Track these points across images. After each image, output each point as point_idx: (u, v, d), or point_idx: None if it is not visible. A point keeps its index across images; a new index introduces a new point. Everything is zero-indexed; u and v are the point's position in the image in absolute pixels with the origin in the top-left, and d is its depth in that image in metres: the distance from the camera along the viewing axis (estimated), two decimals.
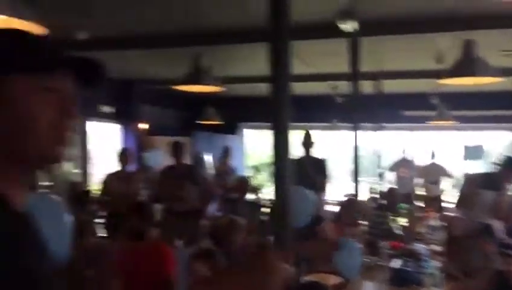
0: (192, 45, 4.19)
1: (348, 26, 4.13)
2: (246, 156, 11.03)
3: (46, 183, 7.23)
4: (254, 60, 6.44)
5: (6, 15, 1.90)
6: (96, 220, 6.12)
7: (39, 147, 0.83)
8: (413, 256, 3.95)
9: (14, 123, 0.81)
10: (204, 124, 8.60)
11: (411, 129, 9.81)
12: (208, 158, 9.32)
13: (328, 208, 5.54)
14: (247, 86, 8.10)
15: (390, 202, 5.07)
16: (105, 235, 5.20)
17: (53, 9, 3.34)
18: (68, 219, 1.97)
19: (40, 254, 0.84)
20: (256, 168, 10.85)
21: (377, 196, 7.40)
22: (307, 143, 5.20)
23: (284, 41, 2.36)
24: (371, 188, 8.18)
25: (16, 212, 0.82)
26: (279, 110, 2.47)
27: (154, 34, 5.11)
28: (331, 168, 5.24)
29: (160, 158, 8.01)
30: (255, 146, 11.19)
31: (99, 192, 5.44)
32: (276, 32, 2.35)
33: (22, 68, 0.82)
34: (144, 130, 9.03)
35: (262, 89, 8.27)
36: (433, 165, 8.24)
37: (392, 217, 4.93)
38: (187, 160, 6.05)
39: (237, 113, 10.29)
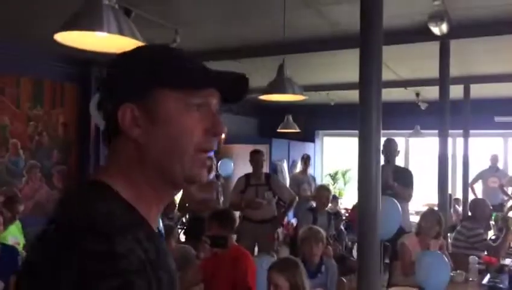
0: (276, 54, 4.26)
1: (439, 28, 3.98)
2: (323, 163, 10.92)
3: None
4: (335, 67, 6.42)
5: (113, 32, 2.03)
6: (178, 226, 6.37)
7: (188, 168, 0.82)
8: (505, 271, 3.68)
9: (167, 143, 0.81)
10: (282, 131, 8.64)
11: (503, 136, 9.17)
12: (285, 166, 9.34)
13: (411, 219, 5.31)
14: (322, 94, 8.04)
15: (478, 213, 4.75)
16: (186, 240, 5.38)
17: (140, 25, 3.54)
18: (159, 224, 2.07)
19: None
20: (334, 177, 10.69)
21: (461, 207, 7.02)
22: (388, 151, 5.03)
23: (376, 46, 2.33)
24: (456, 199, 7.75)
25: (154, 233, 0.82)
26: (368, 116, 2.43)
27: (238, 46, 5.25)
28: (414, 177, 5.00)
29: (230, 167, 8.14)
30: (332, 154, 11.04)
31: (181, 199, 5.62)
32: (368, 37, 2.32)
33: (174, 83, 0.82)
34: (222, 138, 9.24)
35: (340, 96, 8.20)
36: None
37: (481, 230, 4.63)
38: (266, 168, 6.10)
39: (315, 120, 10.24)
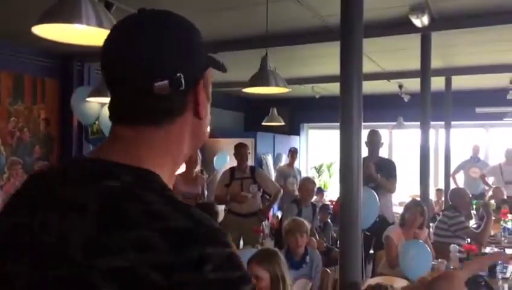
0: (259, 47, 4.26)
1: (420, 20, 4.02)
2: (308, 156, 10.97)
3: None
4: (319, 60, 6.43)
5: (92, 25, 2.00)
6: None
7: (197, 149, 0.83)
8: None
9: (195, 128, 0.79)
10: (267, 125, 8.65)
11: (484, 127, 9.31)
12: (271, 159, 9.36)
13: (394, 210, 5.37)
14: (307, 87, 8.07)
15: (460, 203, 4.83)
16: None
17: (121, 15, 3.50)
18: None
19: None
20: (319, 169, 10.74)
21: (443, 197, 7.12)
22: (372, 142, 5.05)
23: (356, 38, 2.34)
24: (438, 189, 7.86)
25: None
26: (350, 109, 2.45)
27: (221, 39, 5.24)
28: (398, 168, 5.05)
29: (226, 161, 8.16)
30: (317, 147, 11.09)
31: None
32: (349, 29, 2.33)
33: (216, 65, 0.80)
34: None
35: (325, 88, 8.24)
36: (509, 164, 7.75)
37: (462, 218, 4.71)
38: (250, 161, 6.11)
39: (300, 113, 10.28)
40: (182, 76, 0.72)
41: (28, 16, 2.78)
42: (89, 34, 2.15)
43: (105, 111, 5.29)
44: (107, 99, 5.32)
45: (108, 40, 0.77)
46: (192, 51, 0.76)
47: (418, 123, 5.04)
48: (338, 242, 6.10)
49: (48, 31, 2.06)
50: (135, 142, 0.74)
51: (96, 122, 6.05)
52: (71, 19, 1.99)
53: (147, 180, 0.70)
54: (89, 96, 5.06)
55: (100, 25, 2.01)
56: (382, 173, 4.86)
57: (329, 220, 6.18)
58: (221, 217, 5.31)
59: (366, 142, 4.88)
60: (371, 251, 4.78)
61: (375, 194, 4.13)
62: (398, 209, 5.45)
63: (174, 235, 0.62)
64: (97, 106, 5.82)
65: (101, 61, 0.77)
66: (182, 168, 5.63)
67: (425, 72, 4.95)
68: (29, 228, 0.68)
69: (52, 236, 0.66)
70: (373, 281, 3.18)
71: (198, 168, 5.79)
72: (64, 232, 0.65)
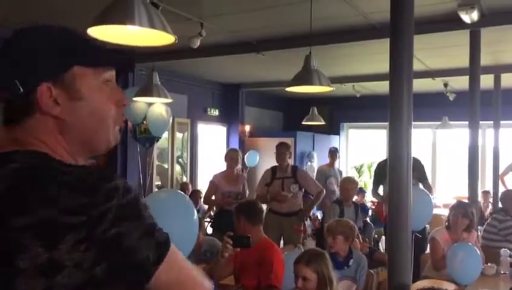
0: (302, 46, 4.24)
1: (469, 16, 3.89)
2: (348, 156, 10.84)
3: (157, 183, 7.75)
4: (361, 58, 6.35)
5: (144, 26, 2.05)
6: (206, 219, 6.43)
7: (108, 139, 0.91)
8: None
9: (90, 118, 0.88)
10: (306, 124, 8.61)
11: None
12: (311, 158, 9.31)
13: (440, 212, 5.23)
14: (347, 86, 7.96)
15: (509, 205, 4.65)
16: (213, 233, 5.42)
17: (166, 19, 3.58)
18: (196, 216, 2.10)
19: None
20: (359, 169, 10.60)
21: (491, 199, 6.88)
22: None
23: (406, 36, 2.29)
24: (484, 191, 7.59)
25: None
26: (399, 108, 2.40)
27: (264, 38, 5.25)
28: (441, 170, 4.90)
29: (256, 158, 8.20)
30: (357, 146, 10.95)
31: (208, 192, 5.66)
32: (399, 27, 2.28)
33: (91, 62, 0.88)
34: (247, 131, 9.28)
35: (365, 87, 8.09)
36: None
37: None
38: (291, 161, 6.08)
39: (340, 112, 10.17)
40: (18, 82, 0.83)
41: (72, 16, 2.87)
42: (141, 35, 2.19)
43: (152, 110, 5.36)
44: (153, 99, 5.44)
45: None
46: (32, 58, 0.85)
47: (464, 122, 4.89)
48: (379, 243, 6.02)
49: (103, 33, 2.11)
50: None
51: (144, 122, 6.18)
52: (125, 20, 2.03)
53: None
54: (136, 96, 5.18)
55: (152, 25, 2.05)
56: (414, 174, 4.73)
57: (368, 220, 6.07)
58: None
59: None
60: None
61: (429, 195, 4.01)
62: (443, 212, 5.31)
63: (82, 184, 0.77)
64: (144, 106, 5.96)
65: None
66: (223, 167, 5.68)
67: (474, 70, 4.79)
68: None
69: None
70: (421, 284, 3.10)
71: (239, 166, 5.83)
72: None
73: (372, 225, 6.01)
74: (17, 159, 0.80)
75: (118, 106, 0.92)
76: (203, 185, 7.45)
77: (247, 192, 5.79)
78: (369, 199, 8.23)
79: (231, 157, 5.62)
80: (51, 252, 0.72)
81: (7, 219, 0.73)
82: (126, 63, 1.06)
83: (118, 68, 0.95)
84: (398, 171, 2.57)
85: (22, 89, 0.83)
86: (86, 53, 0.88)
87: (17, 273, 0.71)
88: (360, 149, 10.86)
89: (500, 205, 5.03)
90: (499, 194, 5.59)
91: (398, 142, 2.53)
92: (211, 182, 5.58)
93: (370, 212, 6.26)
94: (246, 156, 8.05)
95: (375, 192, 5.22)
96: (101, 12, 2.08)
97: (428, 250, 4.31)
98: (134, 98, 5.23)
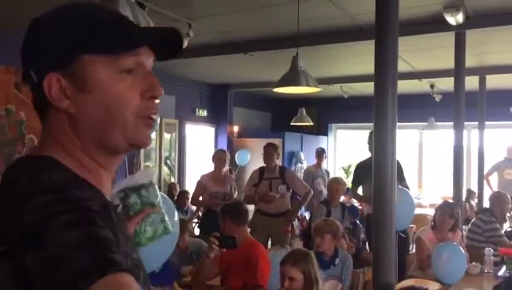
0: (289, 47, 4.26)
1: (455, 18, 3.93)
2: (336, 157, 10.89)
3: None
4: (349, 60, 6.38)
5: None
6: (194, 221, 6.41)
7: (131, 136, 0.78)
8: None
9: (101, 112, 0.77)
10: (295, 125, 8.63)
11: None
12: (300, 159, 9.34)
13: (426, 212, 5.28)
14: (335, 87, 8.01)
15: (497, 207, 4.69)
16: (200, 234, 5.41)
17: (153, 19, 3.57)
18: (177, 217, 2.09)
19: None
20: (347, 170, 10.64)
21: (476, 199, 6.96)
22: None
23: (391, 38, 2.30)
24: (469, 191, 7.67)
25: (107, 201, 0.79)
26: (384, 109, 2.42)
27: (251, 39, 5.25)
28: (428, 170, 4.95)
29: (247, 157, 8.21)
30: (345, 147, 11.00)
31: (196, 192, 5.64)
32: (384, 29, 2.30)
33: (101, 48, 0.76)
34: (235, 132, 9.28)
35: (353, 88, 8.13)
36: None
37: (497, 225, 4.58)
38: (279, 161, 6.10)
39: (328, 113, 10.21)
40: (33, 71, 0.77)
41: None
42: None
43: None
44: None
45: None
46: (40, 46, 0.78)
47: (450, 123, 4.94)
48: (367, 243, 6.05)
49: None
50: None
51: None
52: None
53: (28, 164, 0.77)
54: None
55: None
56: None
57: (357, 221, 6.10)
58: (250, 216, 5.31)
59: (368, 142, 4.75)
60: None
61: (411, 195, 4.05)
62: (429, 212, 5.36)
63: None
64: None
65: None
66: (211, 168, 5.67)
67: (459, 72, 4.85)
68: None
69: None
70: (406, 283, 3.13)
71: (227, 167, 5.82)
72: None
73: (361, 225, 6.04)
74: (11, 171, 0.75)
75: (144, 97, 0.78)
76: (191, 186, 7.43)
77: (236, 193, 5.78)
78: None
79: (218, 157, 5.61)
80: None
81: None
82: (170, 43, 0.82)
83: (160, 49, 0.81)
84: (383, 172, 2.59)
85: (36, 79, 0.76)
86: (96, 38, 0.75)
87: None
88: (348, 150, 10.90)
89: (486, 205, 5.08)
90: (483, 194, 5.67)
91: (383, 143, 2.55)
92: (199, 183, 5.56)
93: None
94: (236, 154, 8.05)
95: (355, 192, 5.25)
96: None
97: (413, 250, 4.34)
98: None
